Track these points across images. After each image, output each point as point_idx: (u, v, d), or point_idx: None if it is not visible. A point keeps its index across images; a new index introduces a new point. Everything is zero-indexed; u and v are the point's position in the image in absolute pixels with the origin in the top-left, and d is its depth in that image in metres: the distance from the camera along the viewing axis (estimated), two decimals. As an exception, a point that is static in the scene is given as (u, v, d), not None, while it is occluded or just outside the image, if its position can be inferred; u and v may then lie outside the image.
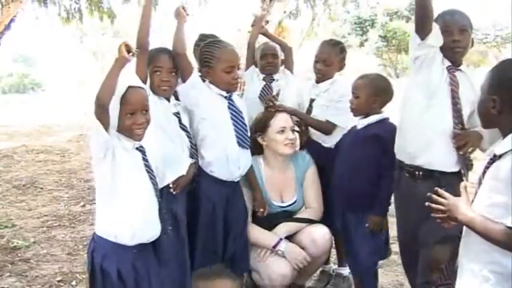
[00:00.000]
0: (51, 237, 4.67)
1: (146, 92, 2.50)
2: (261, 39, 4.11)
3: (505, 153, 1.88)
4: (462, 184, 2.06)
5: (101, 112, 2.25)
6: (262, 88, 3.79)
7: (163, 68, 2.82)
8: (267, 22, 4.22)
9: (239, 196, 3.12)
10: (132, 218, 2.37)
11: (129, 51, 2.32)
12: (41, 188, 6.44)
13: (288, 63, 3.96)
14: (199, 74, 3.05)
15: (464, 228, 2.02)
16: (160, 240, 2.57)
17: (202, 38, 3.45)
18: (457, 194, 2.48)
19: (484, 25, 22.46)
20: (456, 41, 2.71)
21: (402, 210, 2.91)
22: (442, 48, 2.72)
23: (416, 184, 2.74)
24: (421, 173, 2.73)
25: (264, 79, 3.82)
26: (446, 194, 2.02)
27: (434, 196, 2.03)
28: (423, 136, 2.70)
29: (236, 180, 3.07)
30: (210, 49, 2.99)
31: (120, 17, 12.57)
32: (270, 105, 3.30)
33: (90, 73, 25.77)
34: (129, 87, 2.37)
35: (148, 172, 2.45)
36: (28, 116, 14.40)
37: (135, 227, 2.38)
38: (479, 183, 2.01)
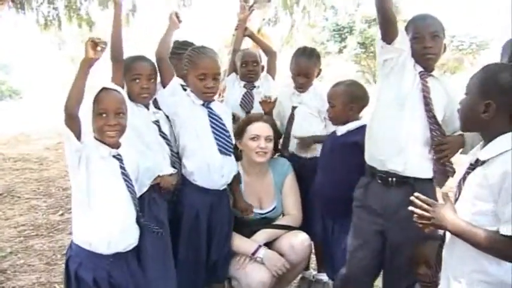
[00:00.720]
0: (29, 247, 4.60)
1: (122, 95, 2.47)
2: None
3: (491, 159, 1.87)
4: (443, 191, 2.07)
5: (70, 120, 2.22)
6: (243, 95, 3.80)
7: (142, 75, 2.81)
8: (246, 29, 4.22)
9: (224, 204, 3.09)
10: (107, 226, 2.35)
11: (95, 45, 2.23)
12: (18, 197, 6.34)
13: (271, 69, 3.97)
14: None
15: (449, 235, 2.02)
16: (145, 246, 2.57)
17: (178, 45, 3.45)
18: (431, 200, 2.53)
19: (459, 32, 22.77)
20: (428, 47, 2.67)
21: (367, 214, 2.79)
22: (413, 54, 2.69)
23: (390, 191, 2.70)
24: (394, 179, 2.69)
25: (244, 86, 3.83)
26: (431, 201, 2.01)
27: (418, 202, 2.00)
28: (396, 143, 2.66)
29: (221, 189, 3.05)
30: (190, 54, 3.00)
31: (98, 24, 12.48)
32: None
33: (68, 81, 25.53)
34: (103, 88, 2.37)
35: (125, 180, 2.43)
36: (5, 123, 14.20)
37: (110, 235, 2.36)
38: (459, 189, 2.01)
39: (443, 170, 2.69)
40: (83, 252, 2.37)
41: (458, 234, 1.90)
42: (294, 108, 3.59)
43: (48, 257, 4.38)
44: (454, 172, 2.67)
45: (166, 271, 2.82)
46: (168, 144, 2.91)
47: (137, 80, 2.80)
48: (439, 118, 2.70)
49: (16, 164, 8.34)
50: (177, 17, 3.13)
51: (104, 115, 2.33)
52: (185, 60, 2.99)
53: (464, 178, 2.00)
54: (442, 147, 2.64)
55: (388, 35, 2.61)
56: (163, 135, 2.89)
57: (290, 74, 3.61)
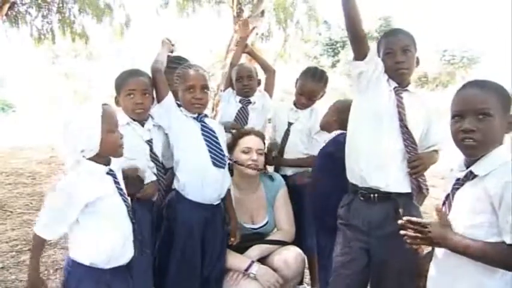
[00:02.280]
0: (21, 262, 4.56)
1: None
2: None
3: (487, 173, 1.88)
4: (438, 208, 2.01)
5: None
6: (238, 111, 3.80)
7: (137, 90, 2.82)
8: (246, 46, 4.25)
9: (218, 220, 3.06)
10: (109, 243, 2.34)
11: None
12: (11, 212, 6.30)
13: (268, 86, 3.98)
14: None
15: (440, 253, 2.02)
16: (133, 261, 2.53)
17: (171, 60, 3.46)
18: (411, 214, 2.45)
19: (451, 47, 22.99)
20: (399, 62, 2.67)
21: (352, 231, 2.77)
22: (386, 70, 2.71)
23: (372, 207, 2.69)
24: (376, 195, 2.68)
25: (240, 101, 3.84)
26: (424, 221, 2.00)
27: (410, 226, 2.01)
28: (376, 158, 2.65)
29: (215, 203, 3.02)
30: (178, 71, 3.01)
31: (93, 39, 12.52)
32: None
33: (62, 94, 25.53)
34: (104, 104, 2.35)
35: (121, 195, 2.42)
36: (-2, 137, 14.17)
37: (113, 252, 2.35)
38: (449, 204, 2.01)
39: (418, 187, 2.68)
40: (82, 267, 2.34)
41: (462, 251, 1.89)
42: (290, 124, 3.62)
43: (40, 272, 4.32)
44: (428, 190, 2.69)
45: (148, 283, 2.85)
46: (157, 165, 2.91)
47: (131, 96, 2.81)
48: (418, 133, 2.71)
49: (9, 178, 8.31)
50: (169, 41, 3.18)
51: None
52: (175, 79, 3.01)
53: (453, 193, 2.00)
54: (415, 163, 2.63)
55: (359, 51, 2.65)
56: (153, 156, 2.89)
57: (285, 89, 3.64)
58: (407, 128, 2.65)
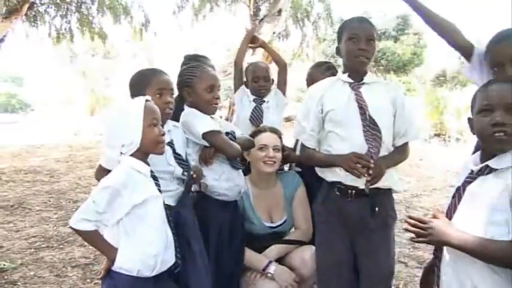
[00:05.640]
0: (39, 259, 4.61)
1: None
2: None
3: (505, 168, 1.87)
4: (435, 207, 2.02)
5: None
6: (253, 110, 3.80)
7: (166, 89, 2.68)
8: (256, 39, 4.24)
9: (238, 217, 3.09)
10: (154, 249, 2.26)
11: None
12: (29, 209, 6.37)
13: (281, 82, 3.96)
14: (179, 96, 3.01)
15: (448, 252, 2.01)
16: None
17: (188, 59, 3.45)
18: (387, 213, 2.66)
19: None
20: (363, 49, 2.65)
21: (332, 228, 2.76)
22: (344, 56, 2.71)
23: (350, 203, 2.66)
24: (353, 191, 2.64)
25: (254, 101, 3.84)
26: (423, 219, 2.01)
27: (411, 221, 2.01)
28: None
29: (236, 199, 3.04)
30: (191, 69, 2.96)
31: (111, 38, 12.61)
32: None
33: (79, 93, 25.75)
34: (146, 100, 2.31)
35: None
36: (16, 136, 14.32)
37: (157, 258, 2.27)
38: (458, 198, 1.99)
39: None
40: (127, 278, 2.25)
41: (465, 248, 1.88)
42: None
43: (59, 269, 4.38)
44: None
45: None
46: (182, 165, 2.72)
47: (161, 94, 2.66)
48: (387, 124, 2.68)
49: (27, 176, 8.40)
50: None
51: (156, 124, 2.30)
52: (188, 77, 2.94)
53: (463, 187, 1.98)
54: (375, 171, 2.55)
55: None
56: (177, 157, 2.72)
57: (302, 87, 3.65)
58: (367, 122, 2.62)
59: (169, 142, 2.68)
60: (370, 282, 2.71)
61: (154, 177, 2.34)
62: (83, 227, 2.20)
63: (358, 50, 2.64)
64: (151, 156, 2.37)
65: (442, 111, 15.78)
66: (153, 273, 2.28)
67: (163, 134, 2.33)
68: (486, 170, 1.92)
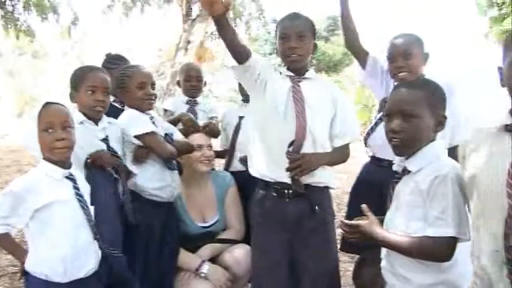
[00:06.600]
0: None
1: (67, 109, 2.33)
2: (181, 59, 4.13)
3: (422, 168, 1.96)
4: (364, 206, 2.10)
5: None
6: (187, 111, 3.78)
7: (99, 87, 2.67)
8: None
9: (173, 218, 3.09)
10: (61, 254, 2.21)
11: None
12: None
13: None
14: (115, 98, 3.04)
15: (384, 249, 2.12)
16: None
17: (110, 60, 3.44)
18: (327, 211, 2.66)
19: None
20: (292, 48, 2.61)
21: (269, 230, 2.71)
22: (280, 55, 2.70)
23: (287, 203, 2.63)
24: (290, 191, 2.62)
25: (187, 102, 3.85)
26: (352, 223, 2.10)
27: (343, 227, 2.12)
28: (281, 155, 2.57)
29: (171, 201, 3.03)
30: (123, 71, 2.97)
31: (39, 36, 12.24)
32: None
33: (6, 94, 24.76)
34: (45, 103, 2.26)
35: (80, 201, 2.29)
36: None
37: (65, 263, 2.21)
38: (390, 198, 2.10)
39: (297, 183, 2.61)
40: (37, 280, 2.22)
41: (389, 246, 2.01)
42: (240, 118, 3.64)
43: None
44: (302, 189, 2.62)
45: None
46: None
47: (93, 92, 2.65)
48: (323, 120, 2.68)
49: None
50: None
51: (51, 130, 2.21)
52: (121, 78, 2.94)
53: (393, 187, 2.09)
54: (298, 162, 2.53)
55: (239, 58, 2.56)
56: (112, 153, 2.73)
57: (235, 88, 3.68)
58: (302, 119, 2.58)
59: (104, 138, 2.71)
60: (313, 281, 2.66)
61: (73, 180, 2.30)
62: None
63: (288, 49, 2.62)
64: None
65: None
66: (66, 279, 2.23)
67: (61, 140, 2.22)
68: (406, 171, 2.03)
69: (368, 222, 2.05)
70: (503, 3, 10.57)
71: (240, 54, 2.55)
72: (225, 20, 2.40)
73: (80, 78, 2.68)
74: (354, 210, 2.29)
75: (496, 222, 1.63)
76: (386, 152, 2.78)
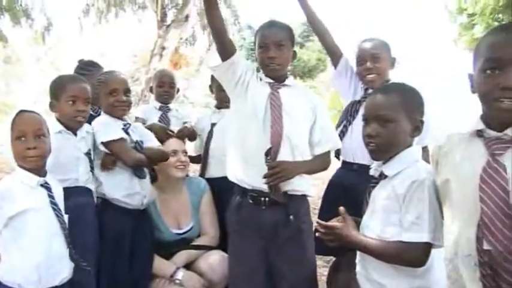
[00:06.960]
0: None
1: (41, 117, 2.31)
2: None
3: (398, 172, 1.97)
4: (341, 208, 2.10)
5: None
6: (160, 118, 3.77)
7: (80, 97, 2.66)
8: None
9: (146, 225, 3.06)
10: (35, 262, 2.19)
11: None
12: None
13: None
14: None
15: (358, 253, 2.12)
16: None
17: (82, 66, 3.43)
18: (302, 220, 2.63)
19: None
20: (271, 57, 2.60)
21: (245, 237, 2.67)
22: (259, 64, 2.68)
23: (264, 211, 2.61)
24: (267, 199, 2.59)
25: (160, 108, 3.83)
26: (328, 224, 2.09)
27: (320, 229, 2.10)
28: (257, 161, 2.56)
29: (142, 208, 3.00)
30: (98, 78, 2.97)
31: (11, 41, 12.09)
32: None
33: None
34: (20, 111, 2.25)
35: (54, 210, 2.27)
36: None
37: (39, 272, 2.19)
38: (366, 202, 2.10)
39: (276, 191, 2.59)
40: None
41: (364, 250, 2.02)
42: (213, 125, 3.63)
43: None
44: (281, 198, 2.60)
45: None
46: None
47: (74, 102, 2.65)
48: (301, 127, 2.66)
49: None
50: None
51: (23, 138, 2.20)
52: (96, 85, 2.92)
53: (369, 192, 2.10)
54: (276, 169, 2.49)
55: (226, 52, 2.57)
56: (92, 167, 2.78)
57: (210, 93, 3.65)
58: (278, 127, 2.56)
59: (86, 153, 2.74)
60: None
61: (48, 189, 2.29)
62: None
63: (267, 58, 2.61)
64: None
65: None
66: (41, 287, 2.22)
67: (33, 148, 2.21)
68: (383, 176, 2.04)
69: (344, 224, 2.06)
70: (474, 14, 10.78)
71: (226, 47, 2.56)
72: None
73: (60, 88, 2.67)
74: (325, 214, 2.28)
75: (469, 226, 1.64)
76: (356, 156, 2.80)
